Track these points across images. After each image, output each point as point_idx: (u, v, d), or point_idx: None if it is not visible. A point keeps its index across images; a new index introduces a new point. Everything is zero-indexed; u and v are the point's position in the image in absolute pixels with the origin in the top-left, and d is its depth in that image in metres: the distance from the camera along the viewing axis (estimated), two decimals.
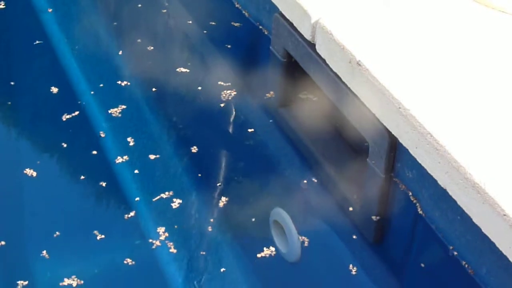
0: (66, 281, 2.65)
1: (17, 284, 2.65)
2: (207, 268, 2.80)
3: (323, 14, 3.17)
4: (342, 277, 2.78)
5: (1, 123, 3.44)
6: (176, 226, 2.88)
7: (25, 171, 3.06)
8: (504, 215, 2.36)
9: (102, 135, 3.27)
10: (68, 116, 3.32)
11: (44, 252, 2.76)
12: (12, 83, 3.59)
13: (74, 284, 2.65)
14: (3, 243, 2.77)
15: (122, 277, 2.72)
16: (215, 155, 3.23)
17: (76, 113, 3.35)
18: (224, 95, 3.48)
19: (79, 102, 3.44)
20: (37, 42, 3.80)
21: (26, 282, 2.66)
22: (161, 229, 2.87)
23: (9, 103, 3.50)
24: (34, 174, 3.05)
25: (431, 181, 2.69)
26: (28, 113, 3.48)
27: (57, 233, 2.82)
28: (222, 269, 2.78)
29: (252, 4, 3.88)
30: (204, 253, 2.84)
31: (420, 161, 2.71)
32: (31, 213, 2.95)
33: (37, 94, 3.53)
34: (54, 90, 3.47)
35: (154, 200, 2.99)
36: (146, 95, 3.51)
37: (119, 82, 3.55)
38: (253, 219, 2.92)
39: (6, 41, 3.93)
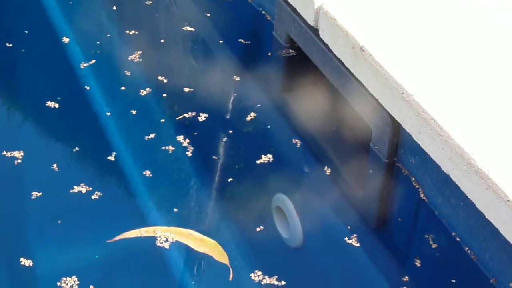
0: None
1: (20, 264, 2.65)
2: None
3: None
4: (344, 263, 2.78)
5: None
6: (176, 210, 2.88)
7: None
8: (508, 201, 2.36)
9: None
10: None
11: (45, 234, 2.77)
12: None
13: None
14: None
15: (123, 261, 2.73)
16: (217, 140, 3.23)
17: None
18: (227, 81, 3.47)
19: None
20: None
21: (30, 262, 2.66)
22: (161, 213, 2.87)
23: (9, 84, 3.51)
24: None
25: (434, 167, 2.68)
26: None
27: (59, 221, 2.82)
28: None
29: None
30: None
31: (423, 147, 2.71)
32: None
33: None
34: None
35: (156, 184, 3.00)
36: (150, 82, 3.50)
37: (125, 72, 3.54)
38: (255, 205, 2.92)
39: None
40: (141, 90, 3.41)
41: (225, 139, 3.20)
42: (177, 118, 3.28)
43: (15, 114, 3.39)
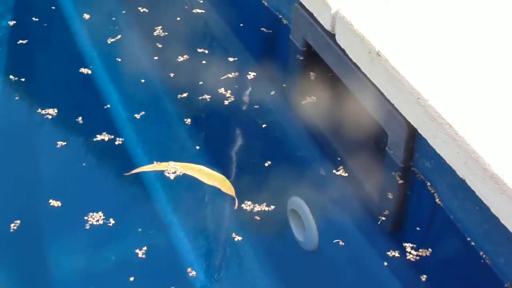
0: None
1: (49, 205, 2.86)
2: (223, 256, 2.82)
3: (343, 5, 3.18)
4: (359, 266, 2.79)
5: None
6: (192, 214, 2.90)
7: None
8: None
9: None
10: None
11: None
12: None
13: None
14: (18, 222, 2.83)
15: (136, 262, 2.75)
16: (233, 142, 3.24)
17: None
18: (243, 84, 3.49)
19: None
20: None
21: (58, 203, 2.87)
22: (177, 217, 2.89)
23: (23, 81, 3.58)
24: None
25: (450, 172, 2.69)
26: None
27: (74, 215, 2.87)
28: (238, 257, 2.80)
29: None
30: (220, 241, 2.86)
31: (438, 151, 2.72)
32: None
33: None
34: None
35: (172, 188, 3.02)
36: (164, 83, 3.53)
37: (136, 68, 3.58)
38: (271, 208, 2.93)
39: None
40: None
41: (240, 141, 3.22)
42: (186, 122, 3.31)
43: (51, 78, 3.63)
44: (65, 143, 3.17)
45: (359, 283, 2.75)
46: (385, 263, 2.76)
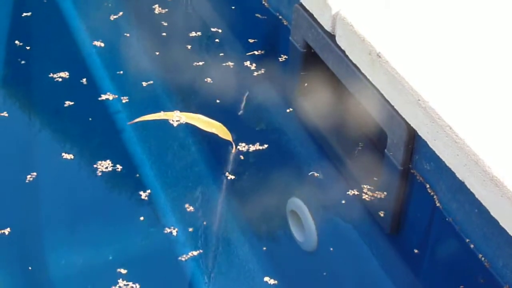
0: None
1: (62, 157, 3.12)
2: (223, 257, 2.82)
3: (344, 6, 3.18)
4: (358, 267, 2.79)
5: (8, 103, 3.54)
6: (191, 216, 2.90)
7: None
8: None
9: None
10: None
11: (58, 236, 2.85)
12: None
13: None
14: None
15: (136, 262, 2.75)
16: (232, 146, 3.24)
17: None
18: (242, 85, 3.49)
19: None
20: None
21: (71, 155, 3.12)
22: (176, 217, 2.89)
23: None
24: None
25: (449, 174, 2.69)
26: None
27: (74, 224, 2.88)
28: (238, 258, 2.80)
29: None
30: (220, 241, 2.86)
31: (438, 153, 2.72)
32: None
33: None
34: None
35: (170, 188, 3.03)
36: (164, 86, 3.54)
37: (140, 75, 3.59)
38: (270, 209, 2.93)
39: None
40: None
41: (239, 141, 3.22)
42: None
43: (65, 50, 3.81)
44: (72, 103, 3.36)
45: (358, 284, 2.75)
46: (384, 265, 2.76)
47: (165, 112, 3.29)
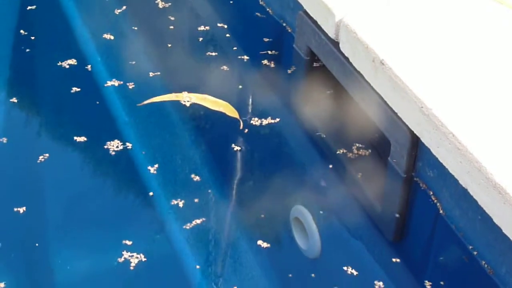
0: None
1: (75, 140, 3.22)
2: (226, 264, 2.82)
3: (347, 13, 3.18)
4: (361, 275, 2.79)
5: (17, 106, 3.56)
6: (194, 222, 2.90)
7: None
8: None
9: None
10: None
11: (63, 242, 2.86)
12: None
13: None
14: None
15: (139, 267, 2.75)
16: (235, 150, 3.25)
17: None
18: (246, 92, 3.50)
19: None
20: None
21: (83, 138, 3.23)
22: (180, 224, 2.90)
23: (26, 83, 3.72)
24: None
25: (452, 181, 2.69)
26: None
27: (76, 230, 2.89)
28: (241, 265, 2.80)
29: (276, 1, 3.89)
30: (223, 249, 2.86)
31: (441, 161, 2.71)
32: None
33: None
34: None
35: (172, 193, 3.03)
36: (167, 79, 3.57)
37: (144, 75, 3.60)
38: (274, 216, 2.93)
39: None
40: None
41: (242, 148, 3.22)
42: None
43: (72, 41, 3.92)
44: (79, 89, 3.49)
45: None
46: (387, 272, 2.76)
47: (175, 94, 3.40)
